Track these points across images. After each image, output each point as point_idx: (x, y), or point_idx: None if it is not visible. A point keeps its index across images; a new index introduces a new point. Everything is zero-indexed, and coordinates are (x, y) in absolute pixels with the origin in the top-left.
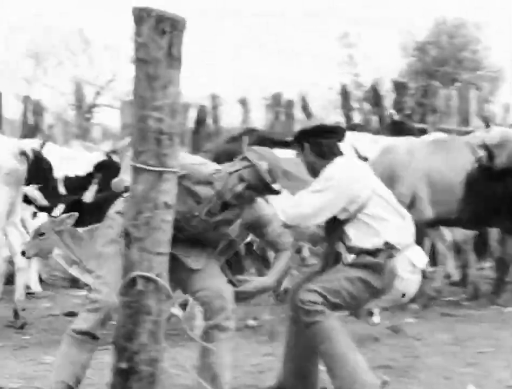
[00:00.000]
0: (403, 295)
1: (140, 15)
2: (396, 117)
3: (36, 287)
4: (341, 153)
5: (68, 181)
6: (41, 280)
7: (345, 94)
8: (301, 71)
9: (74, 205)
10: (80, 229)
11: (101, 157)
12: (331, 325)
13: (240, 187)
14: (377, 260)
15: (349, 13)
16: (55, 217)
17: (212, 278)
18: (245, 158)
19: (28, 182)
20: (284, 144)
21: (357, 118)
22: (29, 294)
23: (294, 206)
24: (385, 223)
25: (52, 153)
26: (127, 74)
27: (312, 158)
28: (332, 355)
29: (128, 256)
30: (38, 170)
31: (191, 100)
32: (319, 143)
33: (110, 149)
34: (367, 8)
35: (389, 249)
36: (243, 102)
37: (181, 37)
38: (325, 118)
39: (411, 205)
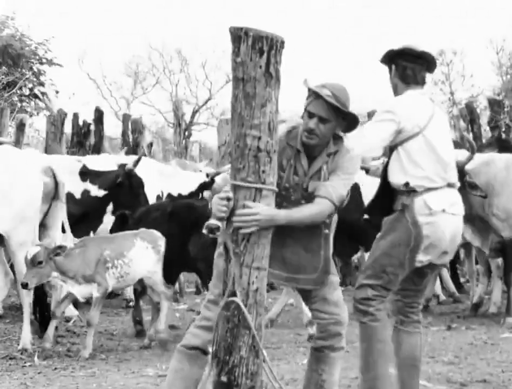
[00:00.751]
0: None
1: (238, 35)
2: (503, 135)
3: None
4: (424, 82)
5: (170, 199)
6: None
7: None
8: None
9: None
10: (74, 242)
11: (204, 178)
12: (377, 331)
13: (312, 123)
14: (392, 217)
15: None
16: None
17: (330, 303)
18: (309, 94)
19: (119, 198)
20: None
21: (452, 135)
22: (129, 308)
23: (358, 137)
24: (415, 166)
25: (152, 170)
26: (224, 93)
27: (396, 80)
28: (365, 356)
29: (227, 271)
30: (130, 187)
31: (287, 116)
32: (404, 66)
33: (214, 172)
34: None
35: (408, 192)
36: None
37: (279, 55)
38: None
39: (505, 220)
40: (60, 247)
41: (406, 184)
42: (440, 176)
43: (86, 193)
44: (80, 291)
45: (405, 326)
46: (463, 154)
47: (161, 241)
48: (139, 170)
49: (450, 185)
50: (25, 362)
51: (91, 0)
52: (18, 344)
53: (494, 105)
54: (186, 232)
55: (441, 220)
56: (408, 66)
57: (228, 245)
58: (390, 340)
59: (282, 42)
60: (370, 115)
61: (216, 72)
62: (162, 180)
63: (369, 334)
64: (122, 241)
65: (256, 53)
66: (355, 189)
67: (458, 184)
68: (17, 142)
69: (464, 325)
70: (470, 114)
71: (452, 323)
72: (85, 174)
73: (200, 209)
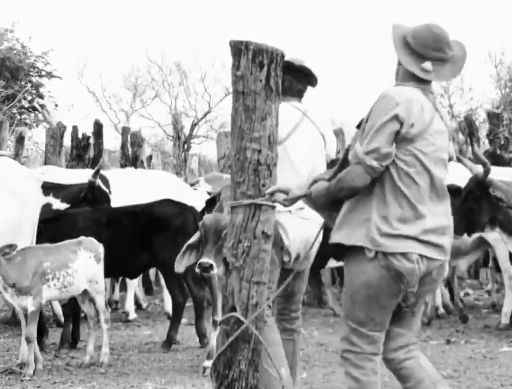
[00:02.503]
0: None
1: (238, 48)
2: (497, 150)
3: (132, 315)
4: (300, 95)
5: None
6: (141, 308)
7: None
8: None
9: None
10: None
11: (207, 196)
12: (266, 335)
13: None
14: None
15: None
16: None
17: None
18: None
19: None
20: None
21: (451, 149)
22: (128, 322)
23: None
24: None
25: (171, 185)
26: (223, 106)
27: None
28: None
29: (227, 285)
30: (94, 200)
31: None
32: (283, 79)
33: (217, 191)
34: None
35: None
36: (337, 134)
37: (280, 69)
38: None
39: None
40: (10, 245)
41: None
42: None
43: (47, 206)
44: (18, 302)
45: (280, 332)
46: (460, 168)
47: (101, 249)
48: (157, 184)
49: None
50: (24, 376)
51: (90, 13)
52: (18, 359)
53: (493, 118)
54: (141, 237)
55: (285, 220)
56: (286, 78)
57: (228, 259)
58: (281, 342)
59: (283, 56)
60: None
61: (215, 85)
62: (179, 196)
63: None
64: (64, 251)
65: (256, 67)
66: None
67: None
68: (16, 155)
69: (463, 339)
70: (469, 127)
71: (451, 337)
72: (48, 187)
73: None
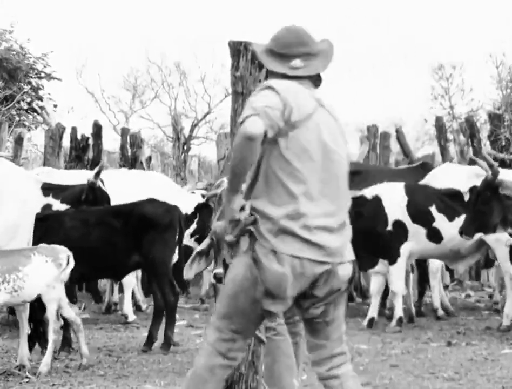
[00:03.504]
0: None
1: (237, 49)
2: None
3: (131, 317)
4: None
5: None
6: (140, 310)
7: (440, 126)
8: (393, 102)
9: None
10: None
11: (200, 199)
12: (280, 345)
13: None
14: None
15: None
16: None
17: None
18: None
19: None
20: None
21: (452, 150)
22: (127, 323)
23: None
24: None
25: (166, 187)
26: (223, 107)
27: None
28: (270, 369)
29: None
30: (95, 201)
31: None
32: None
33: (211, 194)
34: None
35: None
36: None
37: None
38: (419, 149)
39: None
40: None
41: None
42: None
43: (47, 207)
44: None
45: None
46: (473, 170)
47: (63, 255)
48: (152, 186)
49: None
50: (22, 379)
51: (89, 13)
52: (16, 361)
53: (495, 119)
54: (129, 236)
55: None
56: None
57: (226, 258)
58: (293, 353)
59: None
60: (370, 129)
61: (215, 86)
62: (172, 198)
63: (272, 347)
64: (16, 256)
65: (255, 68)
66: (377, 201)
67: None
68: (15, 157)
69: (464, 341)
70: (470, 128)
71: (452, 339)
72: (48, 188)
73: (141, 210)
